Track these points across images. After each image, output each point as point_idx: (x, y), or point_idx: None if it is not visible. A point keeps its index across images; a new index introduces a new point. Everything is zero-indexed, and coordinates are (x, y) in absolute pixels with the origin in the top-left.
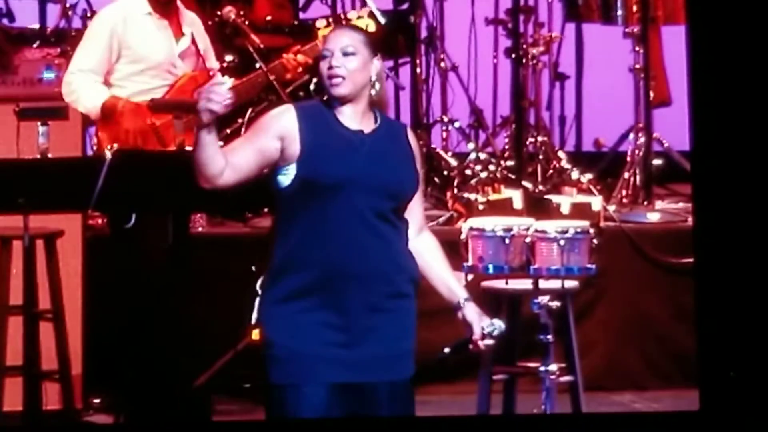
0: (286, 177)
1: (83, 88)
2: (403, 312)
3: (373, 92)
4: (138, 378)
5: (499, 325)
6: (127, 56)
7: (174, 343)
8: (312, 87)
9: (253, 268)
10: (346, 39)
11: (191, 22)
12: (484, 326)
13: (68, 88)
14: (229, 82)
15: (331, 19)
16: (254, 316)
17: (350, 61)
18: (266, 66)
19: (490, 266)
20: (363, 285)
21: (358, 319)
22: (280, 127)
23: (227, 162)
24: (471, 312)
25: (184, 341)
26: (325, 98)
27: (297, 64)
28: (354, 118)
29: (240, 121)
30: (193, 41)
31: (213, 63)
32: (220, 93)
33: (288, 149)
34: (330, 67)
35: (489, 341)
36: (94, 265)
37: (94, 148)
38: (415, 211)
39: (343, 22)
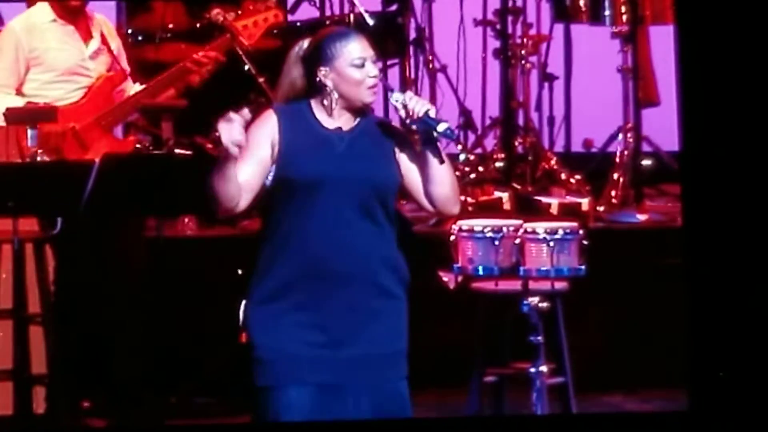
0: (269, 178)
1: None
2: (391, 312)
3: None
4: (125, 382)
5: (393, 98)
6: (37, 66)
7: (158, 347)
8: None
9: (240, 272)
10: (369, 47)
11: (101, 23)
12: (402, 114)
13: None
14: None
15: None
16: (240, 317)
17: (377, 69)
18: (185, 65)
19: (480, 267)
20: (344, 285)
21: (340, 319)
22: (268, 134)
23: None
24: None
25: (171, 344)
26: (311, 98)
27: (207, 61)
28: (338, 117)
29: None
30: (104, 42)
31: (125, 64)
32: (235, 127)
33: (273, 152)
34: (371, 76)
35: (409, 104)
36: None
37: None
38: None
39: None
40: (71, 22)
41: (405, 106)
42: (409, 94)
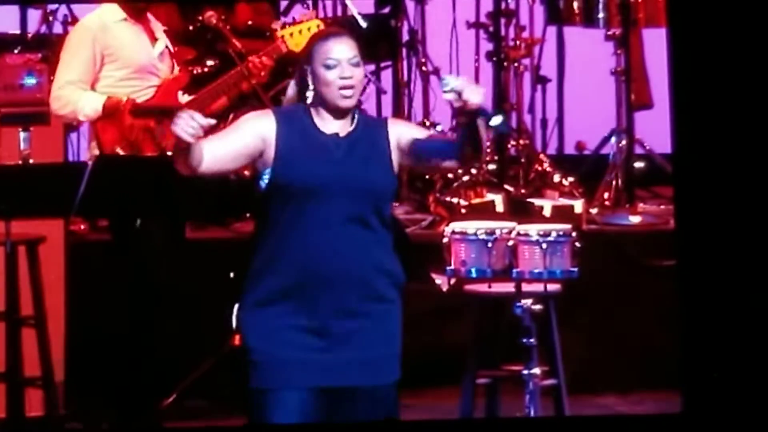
0: (264, 182)
1: (77, 96)
2: (384, 316)
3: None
4: (125, 384)
5: (444, 81)
6: (111, 62)
7: (162, 349)
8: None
9: (232, 275)
10: (352, 49)
11: (159, 27)
12: (450, 97)
13: (60, 102)
14: (203, 121)
15: (287, 23)
16: (233, 321)
17: (358, 72)
18: (241, 71)
19: (473, 270)
20: (338, 289)
21: (334, 323)
22: (260, 128)
23: (205, 156)
24: (454, 111)
25: (167, 347)
26: (308, 102)
27: (261, 67)
28: (332, 122)
29: (221, 126)
30: (166, 44)
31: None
32: (192, 124)
33: (266, 153)
34: (343, 78)
35: (465, 93)
36: (77, 271)
37: (95, 151)
38: (435, 143)
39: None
40: (139, 22)
41: (459, 95)
42: (464, 79)
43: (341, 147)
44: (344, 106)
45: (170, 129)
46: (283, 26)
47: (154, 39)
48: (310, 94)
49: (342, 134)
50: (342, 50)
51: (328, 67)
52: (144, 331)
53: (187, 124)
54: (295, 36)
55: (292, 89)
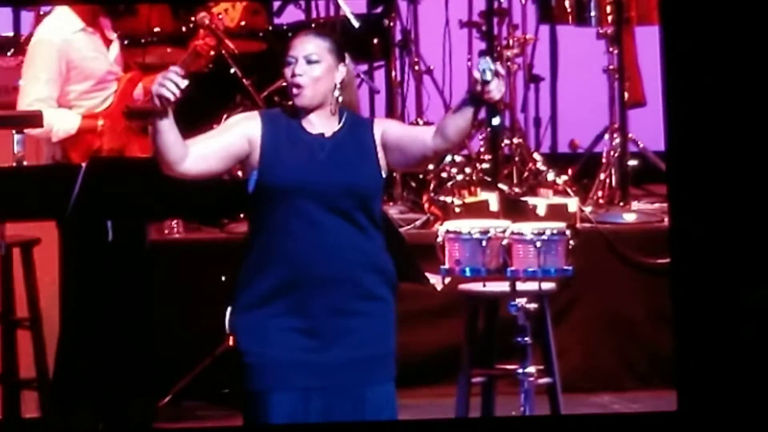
0: (252, 184)
1: (51, 116)
2: (377, 315)
3: (340, 98)
4: (114, 385)
5: (484, 63)
6: (74, 76)
7: (149, 348)
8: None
9: (223, 278)
10: (310, 46)
11: (108, 25)
12: (476, 77)
13: None
14: (182, 82)
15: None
16: (226, 323)
17: (314, 69)
18: (191, 53)
19: (467, 269)
20: (328, 288)
21: (326, 323)
22: (246, 129)
23: (190, 151)
24: (470, 86)
25: (160, 347)
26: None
27: (207, 47)
28: (317, 122)
29: (214, 126)
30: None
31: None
32: (174, 80)
33: (252, 155)
34: (293, 75)
35: (492, 86)
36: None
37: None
38: (422, 129)
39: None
40: (96, 28)
41: (486, 83)
42: (500, 73)
43: (325, 147)
44: (297, 104)
45: (152, 91)
46: (216, 3)
47: (108, 42)
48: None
49: (328, 134)
50: (300, 47)
51: (288, 64)
52: (136, 330)
53: (171, 81)
54: (229, 11)
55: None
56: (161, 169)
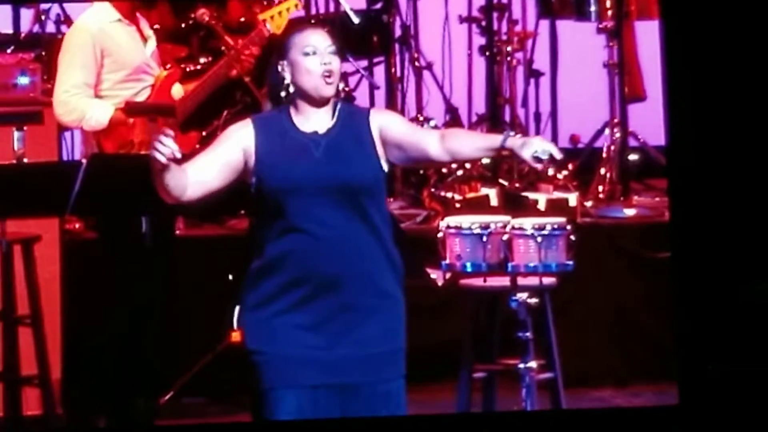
0: (253, 188)
1: (85, 105)
2: (387, 311)
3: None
4: (120, 382)
5: (545, 149)
6: (109, 64)
7: (155, 346)
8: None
9: (230, 277)
10: (328, 38)
11: (147, 25)
12: (535, 152)
13: (66, 108)
14: (174, 146)
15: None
16: (234, 322)
17: (336, 61)
18: (228, 60)
19: (468, 264)
20: (338, 286)
21: (333, 320)
22: (240, 139)
23: (189, 179)
24: (514, 144)
25: (164, 344)
26: (286, 101)
27: (248, 55)
28: (313, 118)
29: (216, 123)
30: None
31: None
32: (167, 145)
33: (249, 162)
34: (325, 64)
35: (540, 165)
36: (72, 270)
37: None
38: (425, 134)
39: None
40: (132, 22)
41: (540, 161)
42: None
43: (320, 145)
44: (327, 94)
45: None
46: (262, 10)
47: (144, 38)
48: (284, 93)
49: (322, 131)
50: (319, 38)
51: (308, 55)
52: (137, 329)
53: (164, 146)
54: (275, 18)
55: (266, 104)
56: (164, 199)
